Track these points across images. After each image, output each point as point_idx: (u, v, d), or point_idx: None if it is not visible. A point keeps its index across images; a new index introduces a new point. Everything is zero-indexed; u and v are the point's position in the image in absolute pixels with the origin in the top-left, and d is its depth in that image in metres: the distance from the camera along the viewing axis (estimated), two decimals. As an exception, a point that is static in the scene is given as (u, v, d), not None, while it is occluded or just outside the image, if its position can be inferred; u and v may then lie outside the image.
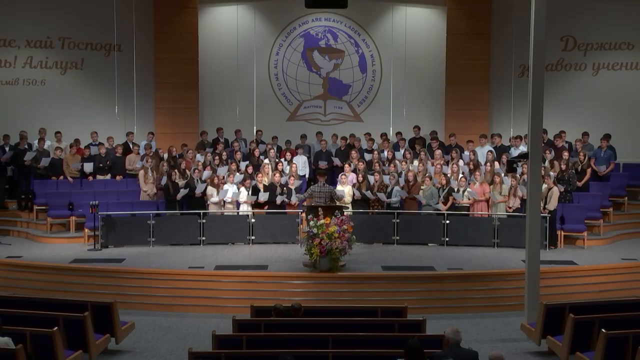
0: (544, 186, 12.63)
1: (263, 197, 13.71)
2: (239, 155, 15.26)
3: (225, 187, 13.74)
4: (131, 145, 15.66)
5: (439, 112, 17.84)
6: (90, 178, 15.02)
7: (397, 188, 13.72)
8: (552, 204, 12.98)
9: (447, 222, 13.27)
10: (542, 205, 12.34)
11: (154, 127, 17.25)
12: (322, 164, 15.47)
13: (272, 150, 15.15)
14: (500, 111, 17.66)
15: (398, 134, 16.38)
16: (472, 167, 14.24)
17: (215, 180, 13.86)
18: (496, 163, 14.31)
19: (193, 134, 16.86)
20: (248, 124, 17.33)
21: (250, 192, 13.74)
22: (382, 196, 13.64)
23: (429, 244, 13.44)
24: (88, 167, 14.88)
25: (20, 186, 15.08)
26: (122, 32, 16.99)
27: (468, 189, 13.56)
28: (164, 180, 14.03)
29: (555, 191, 13.03)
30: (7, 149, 14.99)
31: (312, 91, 18.23)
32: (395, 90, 17.96)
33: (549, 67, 16.98)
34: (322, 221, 11.04)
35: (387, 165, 14.56)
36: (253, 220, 13.50)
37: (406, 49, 17.64)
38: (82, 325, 8.15)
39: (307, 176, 15.35)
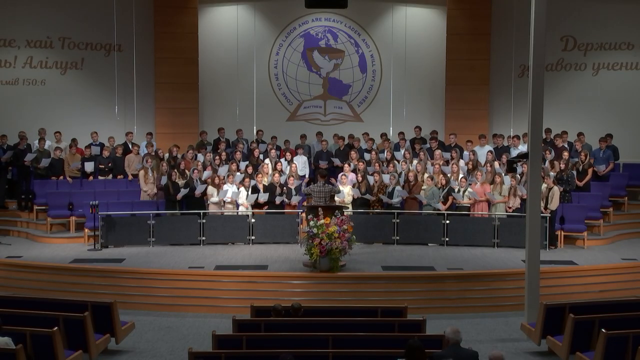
0: (544, 186, 12.63)
1: (262, 197, 13.70)
2: (239, 155, 15.25)
3: (225, 187, 13.74)
4: (130, 146, 15.65)
5: (439, 112, 17.83)
6: (91, 178, 15.02)
7: (398, 188, 13.71)
8: (554, 204, 12.98)
9: (447, 222, 13.27)
10: (543, 205, 12.38)
11: (154, 127, 17.25)
12: (323, 164, 15.47)
13: (272, 150, 15.15)
14: (500, 111, 17.67)
15: (400, 133, 16.36)
16: (470, 167, 14.24)
17: (216, 181, 13.86)
18: (496, 163, 14.31)
19: (193, 134, 16.85)
20: (248, 124, 17.33)
21: (249, 192, 13.74)
22: (385, 199, 13.64)
23: (429, 244, 13.43)
24: (89, 166, 14.87)
25: (20, 186, 15.08)
26: (122, 32, 17.01)
27: (469, 189, 13.56)
28: (164, 180, 14.03)
29: (556, 191, 13.03)
30: (5, 148, 14.98)
31: (312, 91, 18.22)
32: (395, 90, 17.96)
33: (549, 67, 16.98)
34: (322, 221, 11.03)
35: (385, 165, 14.55)
36: (253, 220, 13.50)
37: (406, 49, 17.65)
38: (82, 325, 8.15)
39: (307, 176, 15.35)
